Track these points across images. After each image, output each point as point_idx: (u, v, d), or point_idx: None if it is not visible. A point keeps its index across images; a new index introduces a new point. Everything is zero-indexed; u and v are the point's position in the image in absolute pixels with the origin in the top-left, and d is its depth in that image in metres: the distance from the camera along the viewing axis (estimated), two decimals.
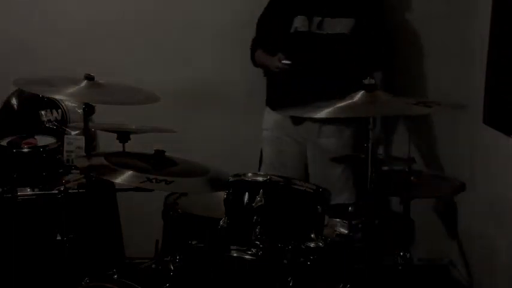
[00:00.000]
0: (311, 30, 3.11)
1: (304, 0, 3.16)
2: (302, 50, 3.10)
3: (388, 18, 3.29)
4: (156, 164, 2.44)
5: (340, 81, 2.90)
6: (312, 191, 2.37)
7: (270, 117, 3.28)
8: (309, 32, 3.11)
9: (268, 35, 3.26)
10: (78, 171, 2.93)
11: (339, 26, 3.08)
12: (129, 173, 2.32)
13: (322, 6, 3.11)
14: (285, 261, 2.28)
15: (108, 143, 2.92)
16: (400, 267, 2.56)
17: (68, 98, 3.08)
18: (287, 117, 3.18)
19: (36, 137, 3.10)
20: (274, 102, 3.24)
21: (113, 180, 2.40)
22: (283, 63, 3.03)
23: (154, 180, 2.29)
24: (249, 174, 2.39)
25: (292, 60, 3.02)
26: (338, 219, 2.51)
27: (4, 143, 3.04)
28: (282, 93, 3.16)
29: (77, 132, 3.06)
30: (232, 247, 2.30)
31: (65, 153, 3.04)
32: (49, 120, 3.18)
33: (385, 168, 2.77)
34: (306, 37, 3.11)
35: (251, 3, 3.36)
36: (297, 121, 3.16)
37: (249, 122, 3.45)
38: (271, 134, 3.29)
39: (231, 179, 2.40)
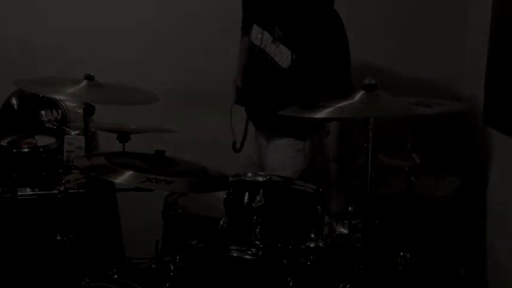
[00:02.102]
0: (261, 46, 2.87)
1: (261, 6, 2.90)
2: (254, 65, 2.91)
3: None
4: (156, 164, 2.44)
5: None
6: (312, 191, 2.37)
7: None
8: (259, 48, 2.87)
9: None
10: (78, 171, 2.94)
11: (281, 55, 2.82)
12: (129, 173, 2.32)
13: (273, 23, 2.83)
14: (285, 261, 2.29)
15: (108, 143, 2.92)
16: (400, 267, 2.56)
17: (68, 98, 3.08)
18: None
19: (36, 137, 3.11)
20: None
21: (113, 180, 2.40)
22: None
23: (154, 180, 2.29)
24: (249, 174, 2.40)
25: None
26: (338, 219, 2.52)
27: (4, 143, 3.04)
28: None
29: (77, 132, 3.06)
30: (232, 247, 2.30)
31: (65, 153, 3.04)
32: (49, 120, 3.18)
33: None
34: (257, 52, 2.88)
35: None
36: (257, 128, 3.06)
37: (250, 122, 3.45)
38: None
39: (231, 179, 2.41)
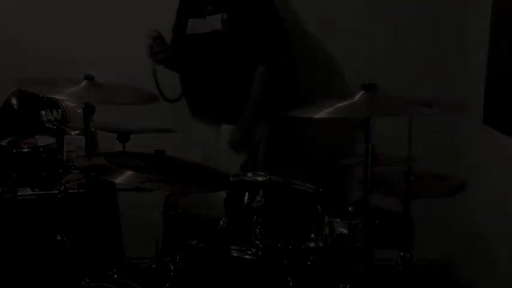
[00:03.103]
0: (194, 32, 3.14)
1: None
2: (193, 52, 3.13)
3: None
4: (156, 164, 2.44)
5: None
6: (312, 191, 2.37)
7: None
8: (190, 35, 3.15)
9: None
10: (78, 171, 2.94)
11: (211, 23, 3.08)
12: (129, 173, 2.32)
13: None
14: (285, 261, 2.28)
15: (108, 143, 2.92)
16: (400, 267, 2.56)
17: (68, 98, 3.08)
18: None
19: (36, 137, 3.11)
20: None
21: (113, 180, 2.40)
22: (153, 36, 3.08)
23: (154, 180, 2.29)
24: (249, 174, 2.39)
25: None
26: (338, 219, 2.51)
27: (4, 143, 3.04)
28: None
29: (77, 132, 3.06)
30: (232, 247, 2.30)
31: (65, 153, 3.04)
32: (49, 120, 3.18)
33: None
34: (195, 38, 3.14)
35: None
36: None
37: None
38: None
39: (231, 179, 2.41)
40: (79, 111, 2.94)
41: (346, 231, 2.46)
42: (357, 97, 2.35)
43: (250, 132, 3.16)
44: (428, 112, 2.35)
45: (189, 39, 3.19)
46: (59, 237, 2.72)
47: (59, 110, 3.21)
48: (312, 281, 2.32)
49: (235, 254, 2.29)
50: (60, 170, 3.00)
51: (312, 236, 2.33)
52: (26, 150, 3.01)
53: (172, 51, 3.20)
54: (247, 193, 2.33)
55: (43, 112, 3.19)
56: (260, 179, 2.36)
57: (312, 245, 2.32)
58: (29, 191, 2.96)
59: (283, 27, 3.20)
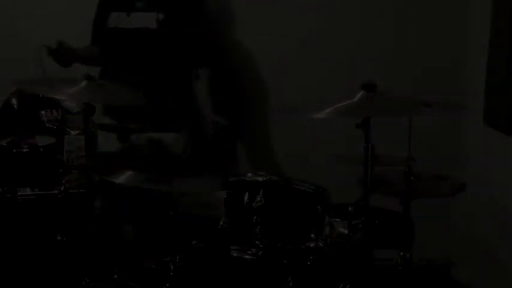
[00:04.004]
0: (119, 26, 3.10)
1: None
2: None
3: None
4: (156, 163, 2.44)
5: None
6: (312, 191, 2.37)
7: None
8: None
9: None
10: (78, 171, 2.93)
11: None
12: (129, 173, 2.32)
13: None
14: (285, 261, 2.28)
15: (108, 143, 2.92)
16: (400, 267, 2.56)
17: (68, 98, 3.08)
18: None
19: (36, 137, 3.10)
20: None
21: (113, 180, 2.40)
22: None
23: (154, 180, 2.29)
24: (249, 174, 2.40)
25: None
26: (338, 219, 2.51)
27: (4, 143, 3.04)
28: None
29: (77, 132, 3.06)
30: (232, 247, 2.30)
31: (65, 153, 3.04)
32: (49, 120, 3.18)
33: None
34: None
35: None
36: None
37: (249, 122, 3.45)
38: None
39: (231, 179, 2.41)
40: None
41: (346, 231, 2.47)
42: (357, 97, 2.35)
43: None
44: (428, 112, 2.35)
45: (112, 32, 3.16)
46: (59, 237, 2.72)
47: (59, 110, 3.21)
48: (312, 281, 2.32)
49: (235, 254, 2.29)
50: (60, 170, 3.00)
51: (312, 236, 2.33)
52: (26, 150, 3.00)
53: (90, 46, 3.17)
54: (247, 193, 2.33)
55: (43, 112, 3.19)
56: (260, 179, 2.36)
57: (312, 245, 2.32)
58: (29, 191, 2.96)
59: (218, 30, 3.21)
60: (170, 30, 3.02)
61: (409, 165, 2.65)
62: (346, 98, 2.37)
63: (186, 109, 3.09)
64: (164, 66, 3.02)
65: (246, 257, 2.27)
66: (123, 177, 2.31)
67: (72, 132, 3.09)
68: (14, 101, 3.28)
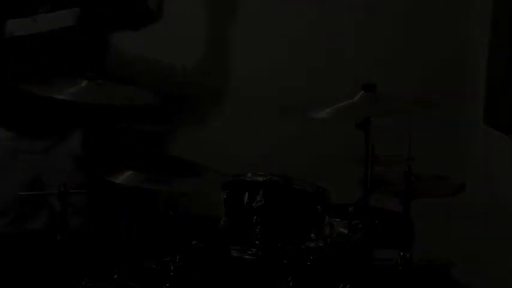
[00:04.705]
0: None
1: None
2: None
3: None
4: (157, 164, 2.44)
5: None
6: (312, 191, 2.37)
7: None
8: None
9: None
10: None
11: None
12: (129, 173, 2.32)
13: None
14: (285, 261, 2.29)
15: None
16: (400, 267, 2.56)
17: (68, 98, 3.07)
18: None
19: None
20: None
21: (113, 180, 2.40)
22: None
23: (154, 180, 2.29)
24: (249, 174, 2.40)
25: None
26: (338, 219, 2.51)
27: None
28: None
29: None
30: (232, 247, 2.30)
31: None
32: None
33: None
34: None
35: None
36: None
37: (248, 122, 3.45)
38: None
39: (231, 179, 2.41)
40: None
41: (346, 231, 2.47)
42: (357, 97, 2.35)
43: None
44: (428, 112, 2.35)
45: (14, 42, 2.90)
46: (59, 237, 2.72)
47: None
48: (312, 281, 2.32)
49: (235, 254, 2.29)
50: None
51: (312, 236, 2.33)
52: None
53: None
54: (247, 193, 2.33)
55: None
56: (260, 179, 2.36)
57: (312, 245, 2.32)
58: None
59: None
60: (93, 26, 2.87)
61: (409, 165, 2.65)
62: (346, 98, 2.37)
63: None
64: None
65: (246, 257, 2.27)
66: (123, 177, 2.31)
67: None
68: None
